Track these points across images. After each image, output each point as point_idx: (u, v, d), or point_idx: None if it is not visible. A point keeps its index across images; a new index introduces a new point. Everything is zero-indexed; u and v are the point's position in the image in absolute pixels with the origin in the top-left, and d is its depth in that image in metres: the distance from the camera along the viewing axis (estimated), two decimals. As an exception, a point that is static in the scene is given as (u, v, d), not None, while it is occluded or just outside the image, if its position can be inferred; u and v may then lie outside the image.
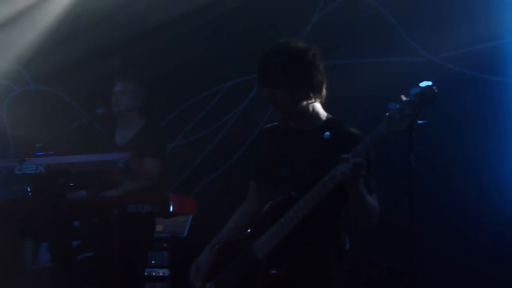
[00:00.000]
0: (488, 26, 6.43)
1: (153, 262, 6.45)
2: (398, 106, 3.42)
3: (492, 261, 6.15)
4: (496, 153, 6.31)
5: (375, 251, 6.46)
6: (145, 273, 6.25)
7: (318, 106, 3.94)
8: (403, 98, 3.41)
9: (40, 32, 8.02)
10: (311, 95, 3.87)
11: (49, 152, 5.45)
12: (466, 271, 6.16)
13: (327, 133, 3.84)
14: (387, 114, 3.44)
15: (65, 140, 5.98)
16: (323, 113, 3.97)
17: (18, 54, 8.18)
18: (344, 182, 3.58)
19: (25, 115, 8.02)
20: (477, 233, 6.20)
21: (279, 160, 3.93)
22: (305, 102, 3.86)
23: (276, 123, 4.14)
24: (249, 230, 3.96)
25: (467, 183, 6.32)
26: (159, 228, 6.35)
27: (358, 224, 3.82)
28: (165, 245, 6.67)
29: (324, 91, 3.94)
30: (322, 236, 3.83)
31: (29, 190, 5.56)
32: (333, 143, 3.80)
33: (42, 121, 7.63)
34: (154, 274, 6.57)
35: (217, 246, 4.03)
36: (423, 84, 3.40)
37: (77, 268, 5.79)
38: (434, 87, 3.41)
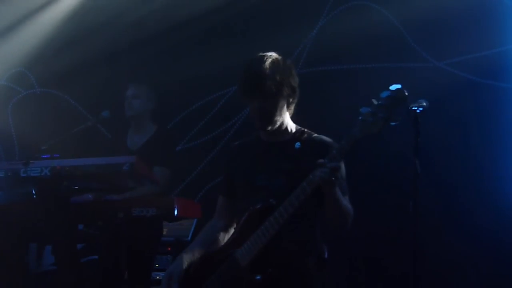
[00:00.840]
0: (493, 33, 6.45)
1: (157, 265, 6.45)
2: (370, 110, 3.45)
3: (496, 265, 6.16)
4: (500, 158, 6.33)
5: (379, 254, 6.48)
6: (154, 278, 6.27)
7: (289, 119, 4.06)
8: (375, 101, 3.44)
9: (46, 35, 8.02)
10: (290, 105, 4.02)
11: (54, 155, 5.45)
12: (469, 274, 6.17)
13: (297, 143, 3.93)
14: (359, 118, 3.48)
15: (70, 142, 5.98)
16: (292, 124, 4.08)
17: (23, 57, 8.19)
18: (321, 186, 3.64)
19: (31, 117, 8.03)
20: (479, 236, 6.21)
21: (254, 170, 3.99)
22: (284, 113, 3.99)
23: (244, 139, 4.23)
24: (230, 239, 4.02)
25: (472, 187, 6.33)
26: (163, 231, 6.35)
27: (334, 226, 3.88)
28: (169, 248, 6.67)
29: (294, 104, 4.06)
30: (301, 242, 3.89)
31: (34, 192, 5.56)
32: (305, 153, 3.89)
33: (47, 124, 7.63)
34: (158, 277, 6.57)
35: (196, 259, 4.04)
36: (393, 87, 3.44)
37: (82, 271, 5.78)
38: (404, 90, 3.43)
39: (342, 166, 3.80)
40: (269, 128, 3.95)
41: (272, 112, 3.92)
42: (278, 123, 3.96)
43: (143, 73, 7.40)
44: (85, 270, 5.99)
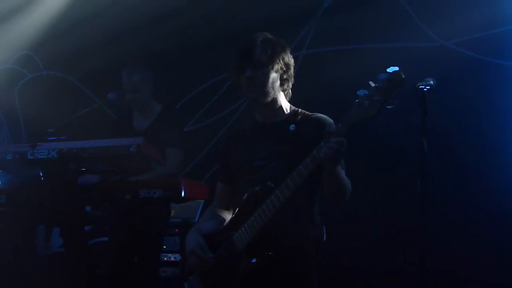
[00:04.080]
0: (500, 11, 6.42)
1: (164, 247, 6.46)
2: (366, 92, 3.43)
3: (509, 244, 6.16)
4: (508, 136, 6.30)
5: (385, 236, 6.48)
6: (163, 259, 6.29)
7: (283, 99, 4.07)
8: (372, 84, 3.42)
9: (51, 17, 8.02)
10: (284, 83, 4.03)
11: (61, 137, 5.46)
12: (479, 254, 6.16)
13: (292, 125, 3.96)
14: (356, 101, 3.46)
15: (77, 125, 5.97)
16: (287, 104, 4.09)
17: (29, 40, 8.19)
18: (325, 163, 3.62)
19: (37, 100, 8.04)
20: (488, 214, 6.20)
21: (251, 152, 4.00)
22: (277, 89, 4.00)
23: (240, 124, 4.22)
24: (228, 222, 4.03)
25: (479, 165, 6.32)
26: (172, 212, 6.36)
27: (333, 200, 3.87)
28: (176, 230, 6.69)
29: (290, 85, 4.08)
30: (298, 225, 3.89)
31: (41, 175, 5.56)
32: (300, 133, 3.91)
33: (53, 106, 7.65)
34: (166, 259, 6.59)
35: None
36: (390, 69, 3.40)
37: (90, 253, 5.80)
38: (401, 73, 3.40)
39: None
40: (262, 99, 3.95)
41: (263, 82, 3.93)
42: (271, 96, 3.97)
43: (133, 59, 7.35)
44: (93, 252, 6.01)
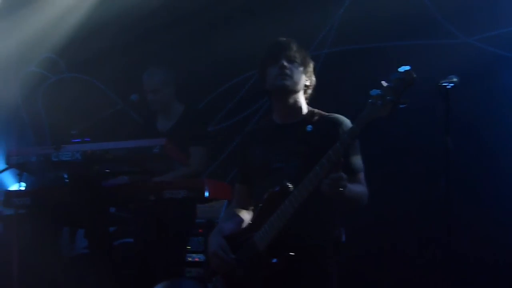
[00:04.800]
0: (523, 7, 6.37)
1: (189, 247, 6.47)
2: (379, 92, 3.44)
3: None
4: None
5: (409, 236, 6.45)
6: (187, 259, 6.30)
7: (303, 100, 4.16)
8: (384, 83, 3.43)
9: (75, 19, 8.04)
10: (307, 90, 4.16)
11: (85, 139, 5.48)
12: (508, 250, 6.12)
13: (309, 126, 4.03)
14: (369, 100, 3.49)
15: (100, 126, 6.00)
16: (305, 105, 4.16)
17: (53, 42, 8.23)
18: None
19: (61, 102, 8.08)
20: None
21: (269, 153, 4.06)
22: (301, 88, 4.13)
23: (257, 124, 4.38)
24: (248, 223, 4.08)
25: (504, 162, 6.27)
26: (196, 213, 6.36)
27: (348, 209, 3.97)
28: (200, 230, 6.69)
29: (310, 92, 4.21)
30: (317, 225, 3.93)
31: (65, 177, 5.59)
32: (317, 134, 3.98)
33: (77, 108, 7.67)
34: (190, 259, 6.59)
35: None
36: (402, 69, 3.41)
37: (114, 254, 5.82)
38: (413, 72, 3.39)
39: (357, 143, 3.93)
40: (290, 87, 4.04)
41: (295, 74, 4.05)
42: (297, 89, 4.08)
43: (161, 58, 7.38)
44: (118, 253, 6.03)
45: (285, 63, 4.02)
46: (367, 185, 4.01)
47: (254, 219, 4.00)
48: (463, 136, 5.77)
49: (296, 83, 4.05)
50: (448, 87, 4.70)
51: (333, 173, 3.58)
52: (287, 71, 4.01)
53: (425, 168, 6.27)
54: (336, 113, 4.12)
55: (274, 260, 3.80)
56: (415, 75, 3.40)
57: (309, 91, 4.18)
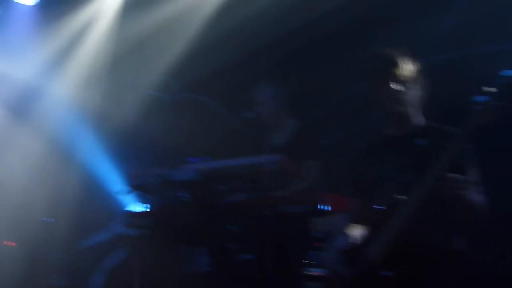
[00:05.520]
0: None
1: (308, 261, 6.46)
2: (482, 98, 3.40)
3: None
4: None
5: None
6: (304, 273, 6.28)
7: (416, 112, 4.18)
8: (487, 89, 3.38)
9: (186, 40, 8.18)
10: (420, 100, 4.18)
11: (202, 158, 5.55)
12: None
13: (420, 138, 4.05)
14: (474, 106, 3.43)
15: (216, 145, 6.08)
16: (418, 118, 4.18)
17: (167, 65, 8.38)
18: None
19: (177, 123, 8.21)
20: None
21: (382, 165, 4.10)
22: (415, 104, 4.15)
23: (370, 137, 4.40)
24: (362, 236, 4.08)
25: None
26: (314, 227, 6.35)
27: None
28: (318, 244, 6.66)
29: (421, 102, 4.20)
30: (432, 236, 3.88)
31: (183, 196, 5.67)
32: (429, 146, 3.97)
33: (193, 128, 7.79)
34: (308, 273, 6.58)
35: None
36: (504, 73, 3.34)
37: (235, 271, 5.86)
38: None
39: (472, 153, 3.90)
40: (403, 111, 4.07)
41: (408, 96, 4.08)
42: (411, 108, 4.09)
43: (266, 75, 7.41)
44: (239, 270, 6.07)
45: (397, 87, 4.01)
46: (483, 194, 3.93)
47: (367, 232, 3.98)
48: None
49: (409, 106, 4.04)
50: None
51: (447, 177, 3.54)
52: (400, 96, 3.97)
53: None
54: (441, 120, 4.08)
55: (389, 274, 3.77)
56: None
57: (422, 102, 4.11)
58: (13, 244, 7.70)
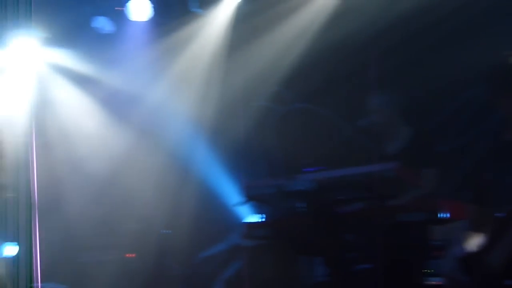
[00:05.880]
0: None
1: (428, 270, 6.38)
2: None
3: None
4: None
5: None
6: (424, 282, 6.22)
7: None
8: None
9: (299, 50, 8.22)
10: None
11: (317, 168, 5.58)
12: None
13: None
14: None
15: (331, 154, 6.08)
16: None
17: (279, 75, 8.44)
18: None
19: (292, 133, 8.25)
20: None
21: (503, 171, 4.03)
22: None
23: (490, 142, 4.33)
24: (481, 243, 4.00)
25: None
26: (433, 235, 6.28)
27: None
28: (437, 252, 6.58)
29: None
30: None
31: (299, 206, 5.70)
32: None
33: (308, 138, 7.81)
34: (429, 282, 6.50)
35: None
36: None
37: (354, 280, 5.85)
38: None
39: None
40: None
41: None
42: None
43: (382, 83, 7.36)
44: (358, 279, 6.05)
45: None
46: None
47: (487, 240, 3.90)
48: None
49: None
50: None
51: None
52: None
53: None
54: None
55: (509, 282, 3.69)
56: None
57: None
58: (133, 255, 7.90)
